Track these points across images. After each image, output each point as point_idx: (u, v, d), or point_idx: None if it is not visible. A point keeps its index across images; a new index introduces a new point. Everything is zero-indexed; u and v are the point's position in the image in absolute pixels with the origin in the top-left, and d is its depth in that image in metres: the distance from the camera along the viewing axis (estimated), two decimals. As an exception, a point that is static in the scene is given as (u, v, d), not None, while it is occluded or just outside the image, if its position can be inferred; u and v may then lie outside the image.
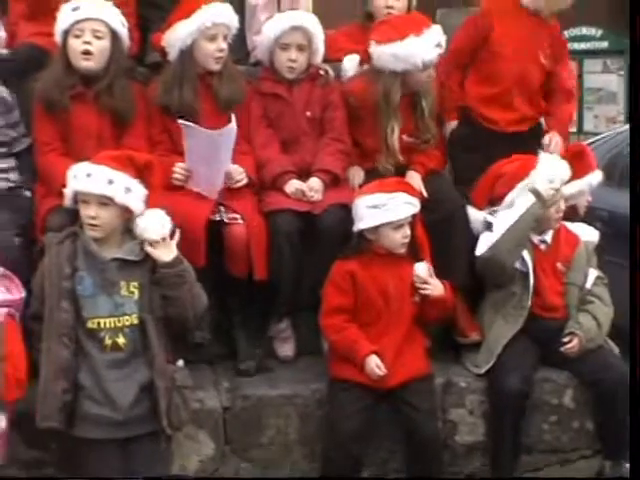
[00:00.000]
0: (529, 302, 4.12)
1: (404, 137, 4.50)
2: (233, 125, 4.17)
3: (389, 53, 4.44)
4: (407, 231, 3.96)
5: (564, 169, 4.26)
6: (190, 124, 4.12)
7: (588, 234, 4.35)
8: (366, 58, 4.61)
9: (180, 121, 4.13)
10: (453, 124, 4.83)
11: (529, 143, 4.66)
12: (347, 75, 4.73)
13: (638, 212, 1.87)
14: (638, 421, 1.81)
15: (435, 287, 3.94)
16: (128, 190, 3.47)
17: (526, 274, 4.15)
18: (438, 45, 4.50)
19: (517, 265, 4.17)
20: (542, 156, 4.31)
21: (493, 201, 4.33)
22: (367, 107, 4.53)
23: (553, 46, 4.83)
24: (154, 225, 3.52)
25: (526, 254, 4.17)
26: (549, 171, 4.18)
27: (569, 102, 5.19)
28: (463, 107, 4.79)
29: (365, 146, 4.60)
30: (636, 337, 1.79)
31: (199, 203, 4.15)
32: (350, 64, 4.75)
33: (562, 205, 4.28)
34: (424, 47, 4.44)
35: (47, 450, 3.87)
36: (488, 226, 4.27)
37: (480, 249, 4.19)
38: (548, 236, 4.27)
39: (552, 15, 4.72)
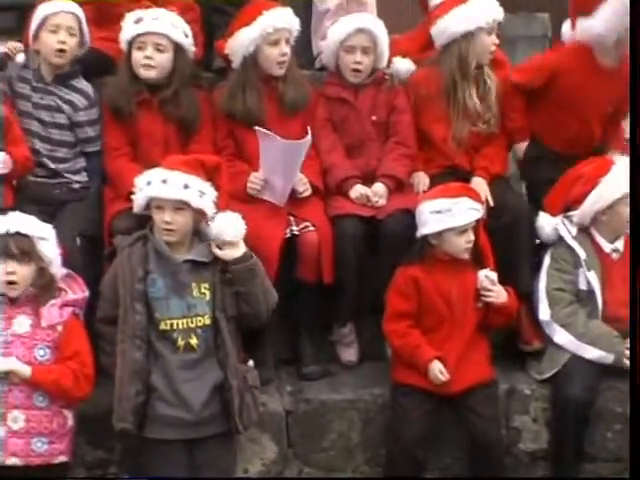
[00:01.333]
0: (598, 319, 4.11)
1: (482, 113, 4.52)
2: (309, 138, 4.19)
3: (457, 18, 4.50)
4: (471, 237, 3.95)
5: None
6: (268, 132, 4.13)
7: None
8: (426, 54, 4.74)
9: (257, 128, 4.14)
10: (523, 145, 4.80)
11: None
12: (400, 77, 4.69)
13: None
14: (638, 424, 1.79)
15: (499, 294, 3.92)
16: (202, 194, 3.53)
17: (592, 292, 4.13)
18: (499, 12, 4.59)
19: (582, 287, 4.15)
20: (618, 158, 4.28)
21: (569, 205, 4.26)
22: (432, 93, 4.56)
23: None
24: (229, 227, 3.56)
25: (592, 275, 4.12)
26: (624, 173, 4.05)
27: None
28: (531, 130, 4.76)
29: (433, 136, 4.58)
30: (636, 338, 1.79)
31: (273, 220, 4.18)
32: (404, 65, 4.71)
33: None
34: (488, 6, 4.56)
35: (111, 451, 3.90)
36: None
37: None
38: (620, 244, 4.21)
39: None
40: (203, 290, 3.63)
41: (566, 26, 4.89)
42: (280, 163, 4.18)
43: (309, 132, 4.23)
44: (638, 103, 1.62)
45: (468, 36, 4.47)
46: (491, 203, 4.28)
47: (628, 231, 4.20)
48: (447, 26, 4.51)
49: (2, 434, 3.51)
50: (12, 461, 3.52)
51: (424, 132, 4.59)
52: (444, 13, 4.55)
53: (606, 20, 4.50)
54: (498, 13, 4.59)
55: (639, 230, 1.67)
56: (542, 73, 4.70)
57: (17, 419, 3.52)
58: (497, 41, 4.68)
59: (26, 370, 3.46)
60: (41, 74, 4.37)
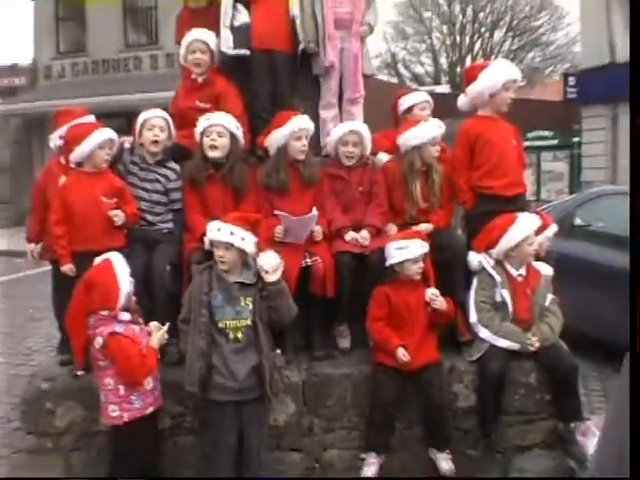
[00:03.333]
0: (509, 321, 4.13)
1: (419, 200, 4.46)
2: (315, 213, 4.28)
3: (411, 135, 4.48)
4: (421, 265, 4.03)
5: (534, 222, 4.28)
6: (286, 215, 4.21)
7: (546, 270, 4.32)
8: (395, 151, 4.64)
9: (277, 212, 4.24)
10: (467, 208, 4.68)
11: (518, 204, 4.53)
12: (379, 163, 4.72)
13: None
14: (639, 418, 1.70)
15: (442, 303, 3.97)
16: (243, 239, 3.57)
17: (504, 303, 4.15)
18: (440, 127, 4.61)
19: (498, 300, 4.17)
20: (520, 215, 4.26)
21: (489, 246, 4.24)
22: (397, 180, 4.52)
23: (517, 138, 4.78)
24: (271, 260, 3.63)
25: (505, 292, 4.15)
26: (524, 223, 4.18)
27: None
28: (473, 190, 4.59)
29: (397, 206, 4.55)
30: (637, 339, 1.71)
31: (293, 255, 4.16)
32: (383, 156, 4.78)
33: (532, 249, 4.24)
34: (430, 130, 4.51)
35: (187, 407, 3.99)
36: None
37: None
38: (523, 270, 4.23)
39: (502, 115, 4.68)
40: (247, 302, 3.67)
41: (461, 98, 4.84)
42: (295, 228, 4.25)
43: (314, 210, 4.31)
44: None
45: (416, 148, 4.47)
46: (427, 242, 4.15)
47: (532, 260, 4.29)
48: (404, 140, 4.52)
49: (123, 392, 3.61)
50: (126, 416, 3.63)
51: (391, 200, 4.57)
52: (404, 130, 4.57)
53: (482, 82, 4.55)
54: (440, 130, 4.60)
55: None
56: (469, 136, 4.60)
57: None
58: (439, 148, 4.62)
59: None
60: (144, 158, 4.43)
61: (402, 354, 3.90)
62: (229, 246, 3.61)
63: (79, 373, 4.06)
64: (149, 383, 3.65)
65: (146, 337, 3.68)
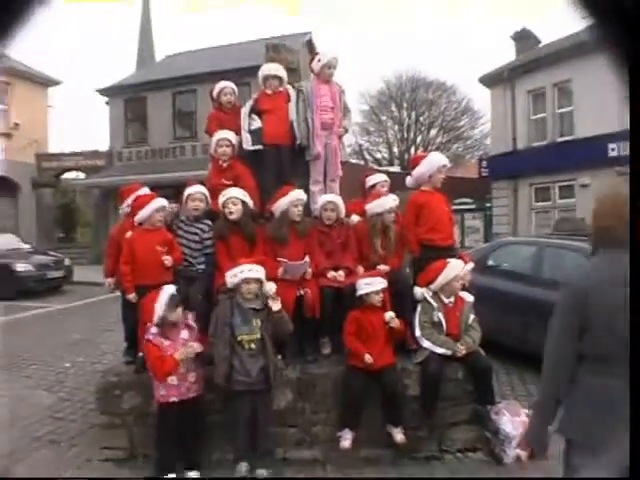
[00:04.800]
0: (443, 335, 4.09)
1: (380, 250, 4.45)
2: (307, 260, 4.29)
3: (375, 205, 4.49)
4: (381, 295, 4.00)
5: (460, 265, 4.26)
6: (285, 261, 4.22)
7: (468, 297, 4.29)
8: (363, 214, 4.62)
9: (280, 259, 4.24)
10: (414, 254, 4.65)
11: (450, 252, 4.53)
12: (352, 223, 4.67)
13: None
14: (638, 421, 1.78)
15: (396, 322, 3.96)
16: (260, 274, 3.69)
17: (440, 323, 4.12)
18: (394, 200, 4.56)
19: (435, 320, 4.13)
20: (451, 260, 4.26)
21: (429, 282, 4.21)
22: (365, 235, 4.51)
23: (448, 204, 4.80)
24: (273, 287, 3.69)
25: (440, 315, 4.12)
26: (455, 267, 4.19)
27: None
28: (419, 242, 4.57)
29: (364, 253, 4.49)
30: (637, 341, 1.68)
31: (290, 288, 4.14)
32: (355, 217, 4.74)
33: (459, 284, 4.24)
34: (388, 202, 4.51)
35: (217, 395, 3.88)
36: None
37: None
38: (452, 299, 4.20)
39: (437, 189, 4.69)
40: (257, 322, 3.68)
41: (408, 179, 4.82)
42: (292, 269, 4.23)
43: (307, 258, 4.30)
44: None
45: (379, 214, 4.47)
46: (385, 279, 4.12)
47: (459, 291, 4.24)
48: (370, 208, 4.52)
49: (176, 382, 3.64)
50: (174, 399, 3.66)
51: (360, 249, 4.52)
52: (370, 201, 4.58)
53: (423, 167, 4.63)
54: (394, 202, 4.56)
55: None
56: (415, 205, 4.61)
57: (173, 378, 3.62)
58: (394, 215, 4.56)
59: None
60: (188, 219, 4.42)
61: (368, 358, 3.87)
62: (257, 280, 3.68)
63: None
64: (173, 380, 3.62)
65: (177, 348, 3.61)
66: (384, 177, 5.20)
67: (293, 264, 4.26)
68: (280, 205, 4.39)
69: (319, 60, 4.89)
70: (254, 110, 4.92)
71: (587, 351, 2.04)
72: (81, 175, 20.88)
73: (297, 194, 4.42)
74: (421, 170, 4.69)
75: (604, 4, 0.45)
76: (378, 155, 32.83)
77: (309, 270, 4.32)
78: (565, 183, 15.78)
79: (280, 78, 4.92)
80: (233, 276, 3.72)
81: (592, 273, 2.13)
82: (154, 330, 3.65)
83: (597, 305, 2.00)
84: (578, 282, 2.12)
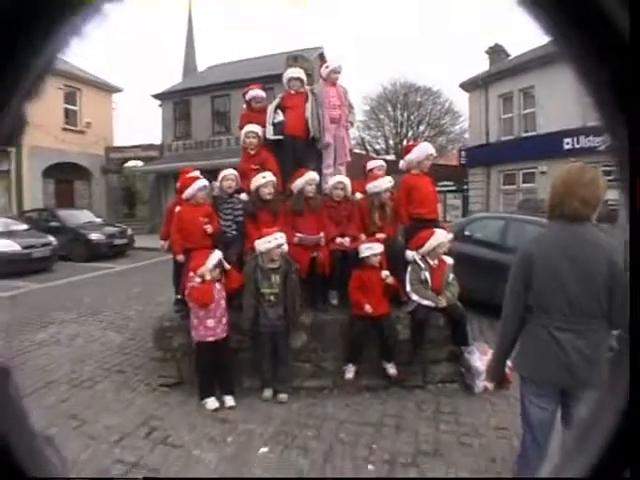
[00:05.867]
0: (429, 290, 4.00)
1: (378, 222, 4.39)
2: (321, 235, 4.20)
3: (373, 185, 4.40)
4: (379, 257, 3.96)
5: (444, 234, 4.14)
6: (302, 235, 4.14)
7: (449, 260, 4.16)
8: (364, 193, 4.52)
9: (297, 234, 4.15)
10: (405, 225, 4.52)
11: (435, 223, 4.40)
12: (356, 199, 4.52)
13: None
14: (638, 416, 1.44)
15: (391, 279, 3.93)
16: (282, 241, 3.65)
17: (427, 280, 4.01)
18: (390, 182, 4.46)
19: (422, 278, 4.01)
20: (437, 230, 4.15)
21: (418, 246, 4.08)
22: (366, 210, 4.43)
23: (433, 185, 4.66)
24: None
25: (427, 274, 4.01)
26: (440, 236, 4.07)
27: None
28: (409, 215, 4.47)
29: (365, 224, 4.40)
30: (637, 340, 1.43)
31: (306, 251, 4.10)
32: (358, 195, 4.57)
33: (443, 249, 4.09)
34: (384, 183, 4.41)
35: (245, 335, 3.88)
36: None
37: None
38: (437, 261, 4.07)
39: (425, 173, 4.57)
40: (276, 279, 3.68)
41: (401, 163, 4.69)
42: (306, 240, 4.16)
43: (322, 233, 4.21)
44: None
45: (377, 193, 4.40)
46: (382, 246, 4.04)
47: (442, 255, 4.09)
48: (370, 188, 4.43)
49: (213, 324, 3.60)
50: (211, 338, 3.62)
51: (362, 220, 4.43)
52: (369, 182, 4.49)
53: (414, 154, 4.53)
54: (390, 183, 4.42)
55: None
56: (407, 185, 4.49)
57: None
58: (389, 194, 4.43)
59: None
60: (223, 196, 4.36)
61: (368, 308, 3.85)
62: (280, 245, 3.67)
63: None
64: (211, 323, 3.59)
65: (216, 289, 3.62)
66: (381, 162, 5.11)
67: (307, 237, 4.19)
68: (297, 184, 4.30)
69: (327, 67, 4.81)
70: (279, 106, 4.78)
71: (532, 303, 2.02)
72: (139, 163, 20.81)
73: (311, 175, 4.34)
74: (412, 157, 4.58)
75: (562, 21, 0.37)
76: (377, 146, 32.36)
77: (322, 239, 4.25)
78: (528, 170, 15.61)
79: (301, 80, 4.79)
80: (267, 242, 3.68)
81: (540, 238, 2.08)
82: (196, 279, 3.61)
83: (540, 265, 1.96)
84: (526, 246, 2.08)
